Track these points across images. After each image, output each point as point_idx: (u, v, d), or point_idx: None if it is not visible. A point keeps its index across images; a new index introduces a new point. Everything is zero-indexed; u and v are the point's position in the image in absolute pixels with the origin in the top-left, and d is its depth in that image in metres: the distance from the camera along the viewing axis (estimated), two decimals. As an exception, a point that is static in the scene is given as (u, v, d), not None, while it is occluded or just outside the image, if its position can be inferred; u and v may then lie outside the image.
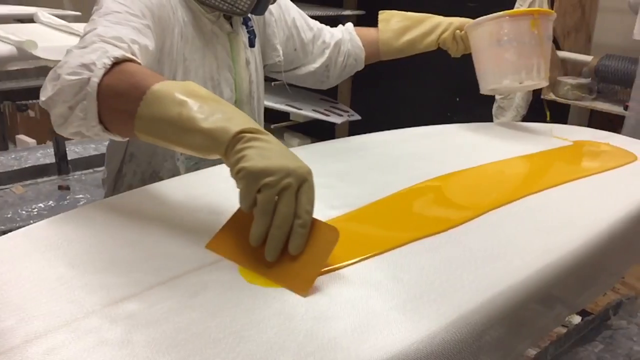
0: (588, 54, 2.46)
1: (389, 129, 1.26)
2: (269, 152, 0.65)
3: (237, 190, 0.66)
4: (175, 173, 1.14)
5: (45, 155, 2.49)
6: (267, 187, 0.63)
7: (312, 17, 1.38)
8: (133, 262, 0.68)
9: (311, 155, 1.11)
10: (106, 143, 1.30)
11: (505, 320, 0.66)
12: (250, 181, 0.63)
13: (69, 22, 2.32)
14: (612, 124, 2.31)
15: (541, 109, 2.55)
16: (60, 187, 2.17)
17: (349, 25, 1.42)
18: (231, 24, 1.19)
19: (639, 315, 1.30)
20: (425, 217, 0.86)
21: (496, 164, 1.08)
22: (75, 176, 2.30)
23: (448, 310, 0.61)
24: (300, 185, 0.64)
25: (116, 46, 0.82)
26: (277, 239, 0.65)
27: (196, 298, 0.61)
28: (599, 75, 2.34)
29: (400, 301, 0.62)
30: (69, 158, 2.33)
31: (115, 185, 1.22)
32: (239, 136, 0.66)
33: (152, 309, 0.58)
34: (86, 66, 0.76)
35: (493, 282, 0.67)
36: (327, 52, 1.36)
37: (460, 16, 1.30)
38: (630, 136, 1.52)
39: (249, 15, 1.17)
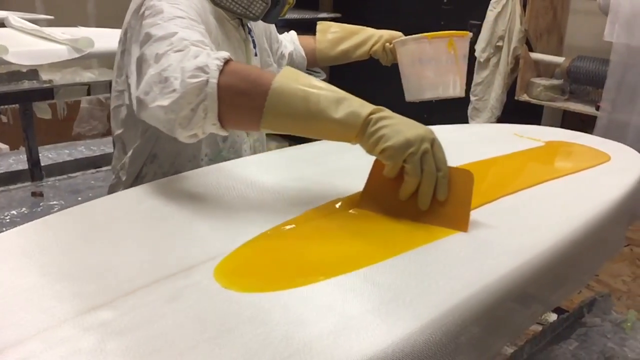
0: (560, 56, 2.50)
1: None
2: (398, 126, 0.79)
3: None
4: None
5: (18, 161, 2.45)
6: (412, 155, 0.77)
7: (289, 20, 1.40)
8: (106, 269, 0.67)
9: (289, 159, 1.11)
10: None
11: (481, 320, 0.66)
12: (397, 156, 0.77)
13: (42, 26, 2.28)
14: (584, 124, 2.35)
15: (515, 110, 2.58)
16: (33, 194, 2.13)
17: (293, 34, 1.51)
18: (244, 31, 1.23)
19: (613, 313, 1.32)
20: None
21: (470, 165, 1.09)
22: (49, 182, 2.26)
23: (424, 312, 0.61)
24: (431, 144, 0.78)
25: (203, 49, 0.86)
26: (428, 192, 0.79)
27: (170, 305, 0.60)
28: (571, 76, 2.38)
29: (376, 304, 0.62)
30: (42, 164, 2.29)
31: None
32: (367, 119, 0.79)
33: (125, 317, 0.58)
34: (201, 69, 0.81)
35: (468, 282, 0.67)
36: (284, 63, 1.45)
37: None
38: (602, 136, 1.54)
39: (250, 25, 1.24)
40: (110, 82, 2.43)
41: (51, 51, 1.98)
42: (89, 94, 2.37)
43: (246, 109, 0.82)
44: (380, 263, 0.70)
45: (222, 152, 1.23)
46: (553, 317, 1.42)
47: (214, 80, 0.80)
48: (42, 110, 3.16)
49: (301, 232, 0.79)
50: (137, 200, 0.87)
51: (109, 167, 2.47)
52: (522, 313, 0.78)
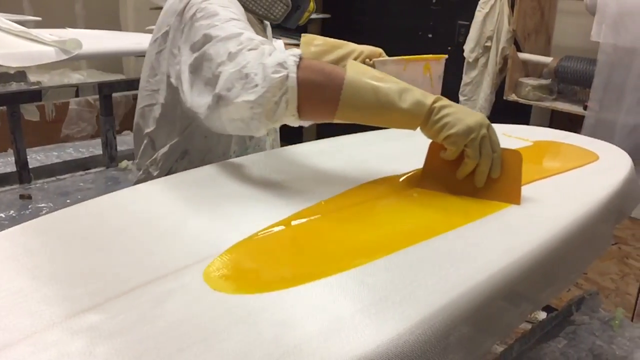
0: (548, 56, 2.52)
1: (356, 132, 1.27)
2: (458, 114, 0.86)
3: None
4: None
5: (6, 163, 2.43)
6: (473, 140, 0.86)
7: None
8: (95, 272, 0.67)
9: (281, 160, 1.11)
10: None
11: (471, 319, 0.66)
12: (460, 142, 0.86)
13: (29, 27, 2.27)
14: (573, 123, 2.36)
15: (504, 110, 2.60)
16: (21, 196, 2.12)
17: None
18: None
19: (601, 311, 1.33)
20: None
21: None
22: (37, 185, 2.25)
23: (413, 311, 0.61)
24: (487, 129, 0.86)
25: (273, 47, 0.91)
26: (485, 172, 0.88)
27: (160, 307, 0.60)
28: (558, 76, 2.39)
29: (366, 304, 0.62)
30: (30, 166, 2.28)
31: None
32: (431, 108, 0.86)
33: (114, 320, 0.58)
34: (281, 64, 0.86)
35: (457, 282, 0.67)
36: None
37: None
38: (589, 135, 1.56)
39: (267, 33, 1.26)
40: (99, 84, 2.44)
41: (39, 53, 1.97)
42: (77, 96, 2.37)
43: (322, 100, 0.88)
44: (370, 263, 0.70)
45: (248, 149, 1.26)
46: (542, 315, 1.43)
47: (293, 75, 0.86)
48: (30, 112, 3.14)
49: (290, 234, 0.79)
50: (126, 202, 0.87)
51: (98, 169, 2.47)
52: (512, 312, 0.79)
